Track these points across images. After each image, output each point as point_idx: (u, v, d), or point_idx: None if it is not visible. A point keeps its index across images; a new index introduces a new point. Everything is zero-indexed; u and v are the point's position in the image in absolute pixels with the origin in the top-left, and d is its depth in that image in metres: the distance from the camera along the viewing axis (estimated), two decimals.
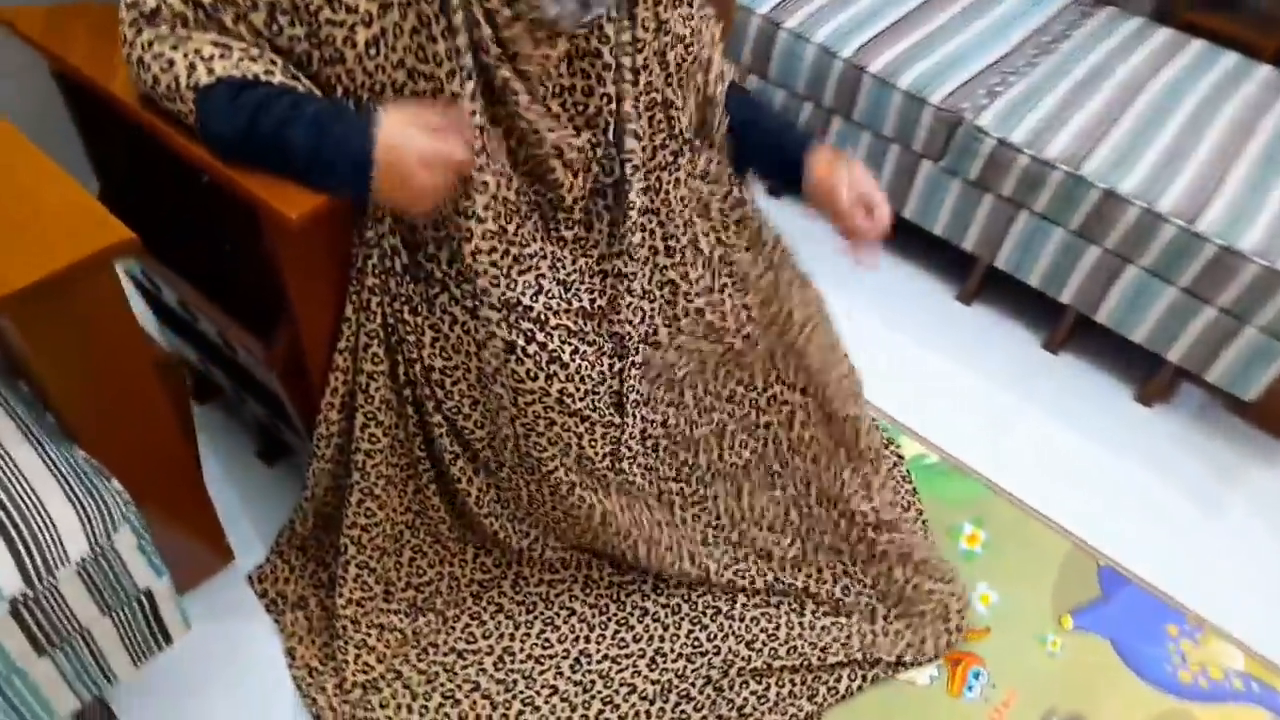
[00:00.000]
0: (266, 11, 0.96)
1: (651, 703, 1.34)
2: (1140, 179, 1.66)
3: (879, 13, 1.92)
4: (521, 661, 1.37)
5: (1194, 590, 1.57)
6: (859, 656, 1.39)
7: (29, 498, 1.01)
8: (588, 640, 1.39)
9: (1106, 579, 1.56)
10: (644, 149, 1.13)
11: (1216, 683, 1.46)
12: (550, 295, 1.15)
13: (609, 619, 1.41)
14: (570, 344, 1.15)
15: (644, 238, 1.18)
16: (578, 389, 1.17)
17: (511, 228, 1.11)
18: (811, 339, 1.33)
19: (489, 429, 1.23)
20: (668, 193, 1.17)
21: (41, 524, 1.00)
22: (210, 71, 0.96)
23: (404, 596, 1.37)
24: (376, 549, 1.32)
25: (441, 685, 1.33)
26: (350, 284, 1.14)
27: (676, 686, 1.36)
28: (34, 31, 1.13)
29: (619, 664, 1.38)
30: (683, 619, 1.42)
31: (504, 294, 1.12)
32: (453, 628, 1.39)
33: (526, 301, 1.13)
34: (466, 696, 1.33)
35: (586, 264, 1.18)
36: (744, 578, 1.43)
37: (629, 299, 1.18)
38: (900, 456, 1.68)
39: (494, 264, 1.11)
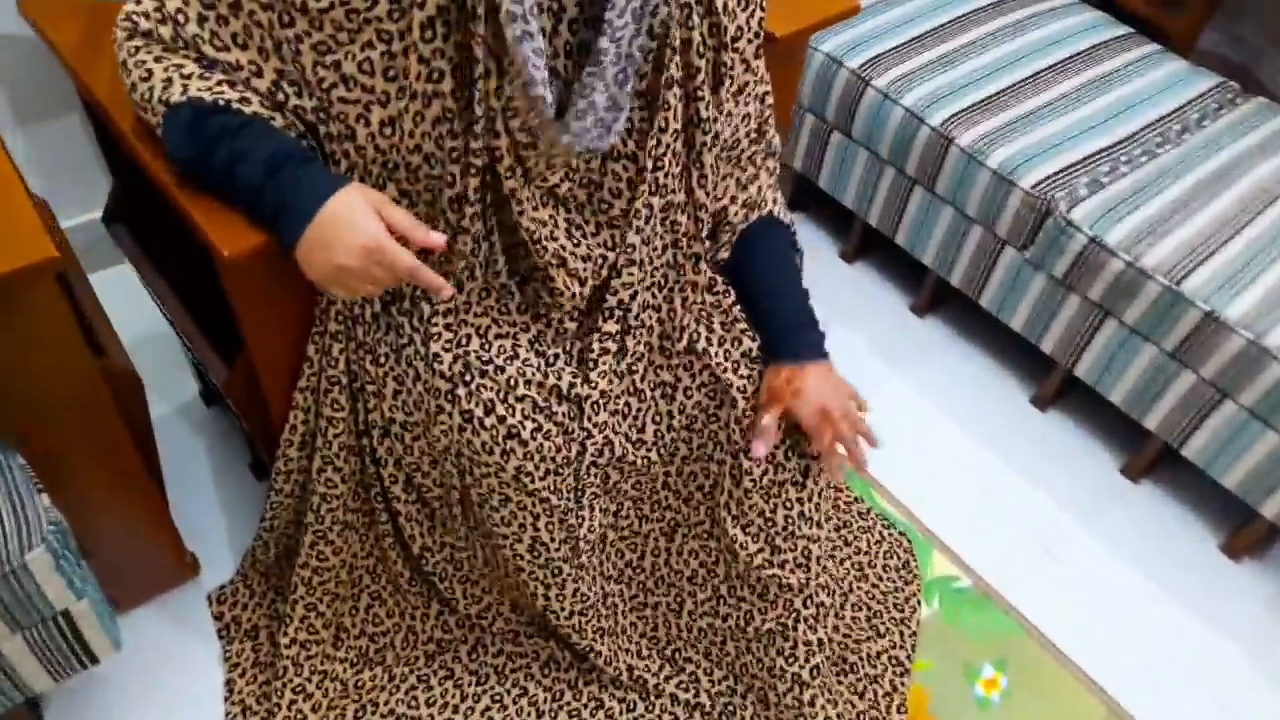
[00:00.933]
0: (271, 79, 0.91)
1: None
2: (1250, 306, 1.43)
3: (981, 81, 1.74)
4: None
5: None
6: None
7: None
8: None
9: None
10: (652, 249, 1.04)
11: None
12: (526, 364, 1.06)
13: (560, 707, 1.31)
14: (533, 419, 1.06)
15: (642, 335, 1.08)
16: (536, 468, 1.08)
17: (492, 307, 1.05)
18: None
19: (446, 487, 1.15)
20: (671, 292, 1.08)
21: None
22: (184, 90, 0.91)
23: (355, 645, 1.31)
24: (328, 593, 1.26)
25: None
26: (314, 324, 1.08)
27: None
28: (67, 48, 1.10)
29: None
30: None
31: (466, 356, 1.04)
32: (398, 687, 1.31)
33: (496, 363, 1.05)
34: None
35: (574, 349, 1.09)
36: (687, 691, 1.30)
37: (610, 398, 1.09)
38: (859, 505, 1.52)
39: (453, 329, 1.03)
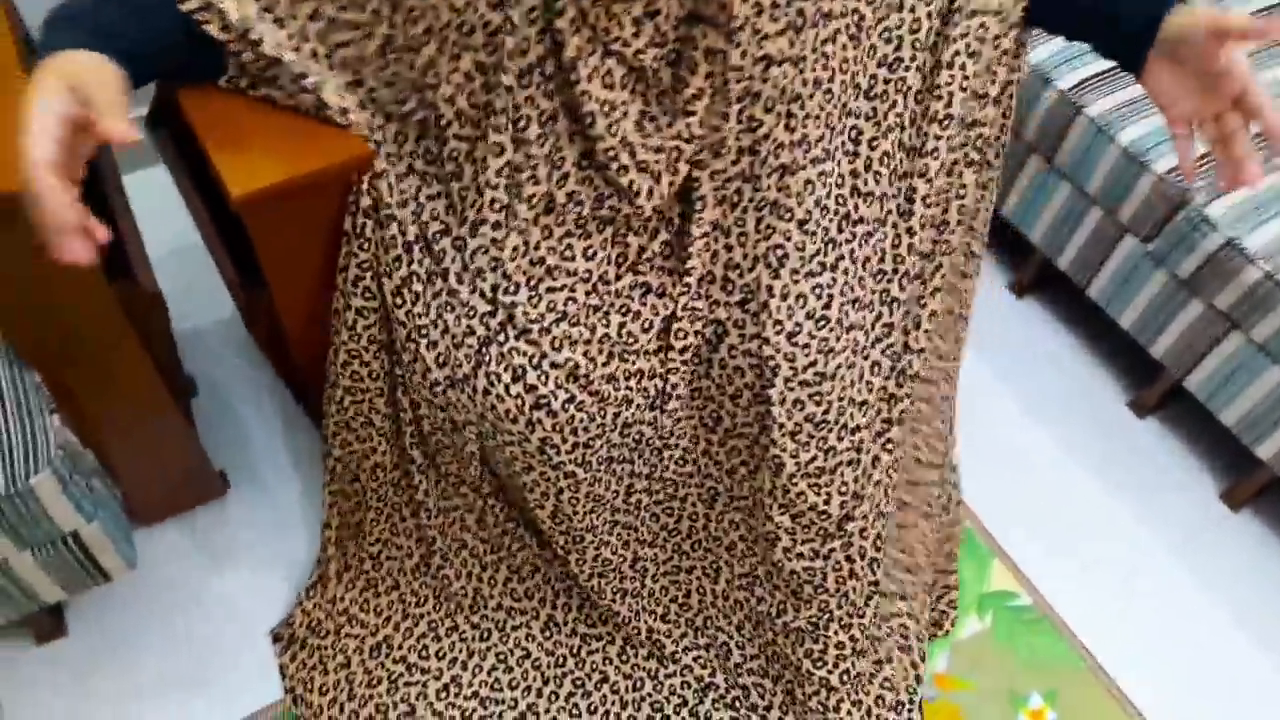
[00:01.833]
0: None
1: None
2: None
3: None
4: (466, 699, 1.24)
5: None
6: None
7: None
8: (539, 695, 1.25)
9: None
10: (731, 148, 0.91)
11: None
12: (577, 319, 0.97)
13: (564, 675, 1.26)
14: (567, 389, 0.97)
15: (703, 262, 0.96)
16: (564, 440, 1.00)
17: (556, 232, 0.94)
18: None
19: (465, 453, 1.08)
20: (744, 213, 0.94)
21: None
22: None
23: (369, 550, 1.27)
24: (345, 495, 1.23)
25: (378, 698, 1.23)
26: (340, 263, 1.01)
27: None
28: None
29: None
30: (644, 701, 1.24)
31: (509, 309, 0.96)
32: (410, 631, 1.28)
33: (541, 322, 0.96)
34: (399, 714, 1.22)
35: (635, 279, 0.99)
36: (705, 667, 1.24)
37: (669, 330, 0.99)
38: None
39: (498, 269, 0.94)
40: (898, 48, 0.92)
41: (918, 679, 1.24)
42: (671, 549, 1.20)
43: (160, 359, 1.13)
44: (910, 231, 0.98)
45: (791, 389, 0.98)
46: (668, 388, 1.03)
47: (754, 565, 1.15)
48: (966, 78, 0.93)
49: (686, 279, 0.97)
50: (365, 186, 0.96)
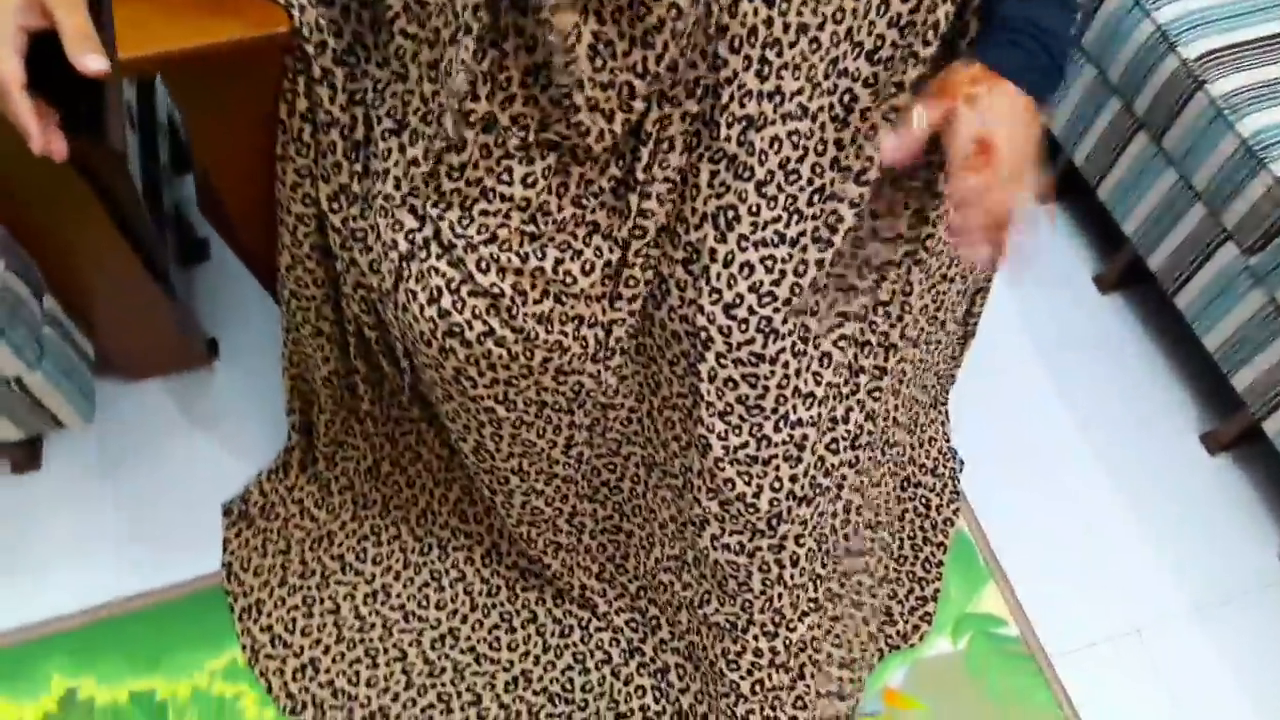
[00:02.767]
0: None
1: None
2: None
3: (1270, 11, 1.27)
4: (391, 608, 1.23)
5: None
6: None
7: None
8: (464, 620, 1.22)
9: None
10: (690, 87, 0.79)
11: None
12: (504, 247, 0.89)
13: (493, 606, 1.22)
14: (485, 321, 0.89)
15: (667, 212, 0.85)
16: (481, 375, 0.93)
17: (495, 153, 0.85)
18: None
19: (395, 360, 1.03)
20: (699, 159, 0.82)
21: None
22: None
23: (324, 450, 1.25)
24: (301, 396, 1.20)
25: (306, 590, 1.23)
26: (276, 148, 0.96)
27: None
28: None
29: (480, 665, 1.20)
30: (566, 648, 1.20)
31: (436, 222, 0.88)
32: (353, 531, 1.27)
33: (469, 239, 0.88)
34: (320, 617, 1.22)
35: (579, 214, 0.89)
36: (635, 631, 1.17)
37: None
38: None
39: (432, 185, 0.87)
40: (914, 9, 0.76)
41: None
42: (612, 508, 1.13)
43: (129, 219, 1.12)
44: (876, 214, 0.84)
45: (724, 365, 0.87)
46: (611, 340, 0.93)
47: (683, 549, 1.06)
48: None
49: (643, 223, 0.87)
50: (301, 89, 0.89)
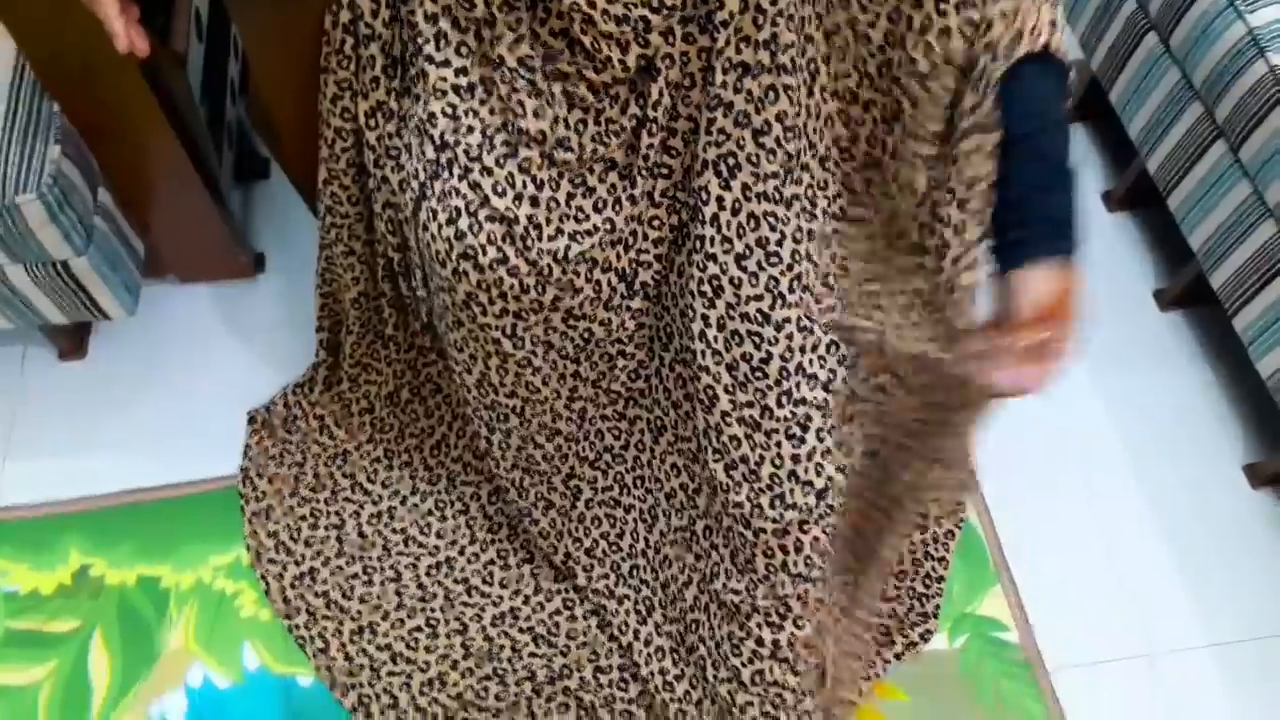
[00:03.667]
0: None
1: (466, 656, 1.17)
2: None
3: None
4: (394, 530, 1.25)
5: None
6: None
7: None
8: (461, 552, 1.24)
9: None
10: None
11: None
12: (523, 168, 0.89)
13: (492, 542, 1.24)
14: (499, 247, 0.90)
15: (655, 149, 0.85)
16: (492, 303, 0.93)
17: (522, 86, 0.86)
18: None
19: (417, 283, 1.05)
20: (697, 109, 0.81)
21: None
22: None
23: (350, 371, 1.27)
24: (331, 314, 1.23)
25: (315, 503, 1.27)
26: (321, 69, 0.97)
27: (498, 656, 1.17)
28: None
29: (470, 596, 1.21)
30: (557, 593, 1.21)
31: (455, 146, 0.89)
32: (368, 454, 1.30)
33: (485, 163, 0.89)
34: (325, 530, 1.25)
35: (596, 150, 0.90)
36: (613, 615, 1.16)
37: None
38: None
39: (455, 111, 0.87)
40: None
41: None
42: (613, 478, 1.11)
43: (185, 123, 1.16)
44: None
45: (731, 318, 0.86)
46: (636, 283, 0.93)
47: (693, 519, 1.04)
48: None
49: (669, 161, 0.86)
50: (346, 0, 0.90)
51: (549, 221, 0.90)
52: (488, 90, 0.88)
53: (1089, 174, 1.61)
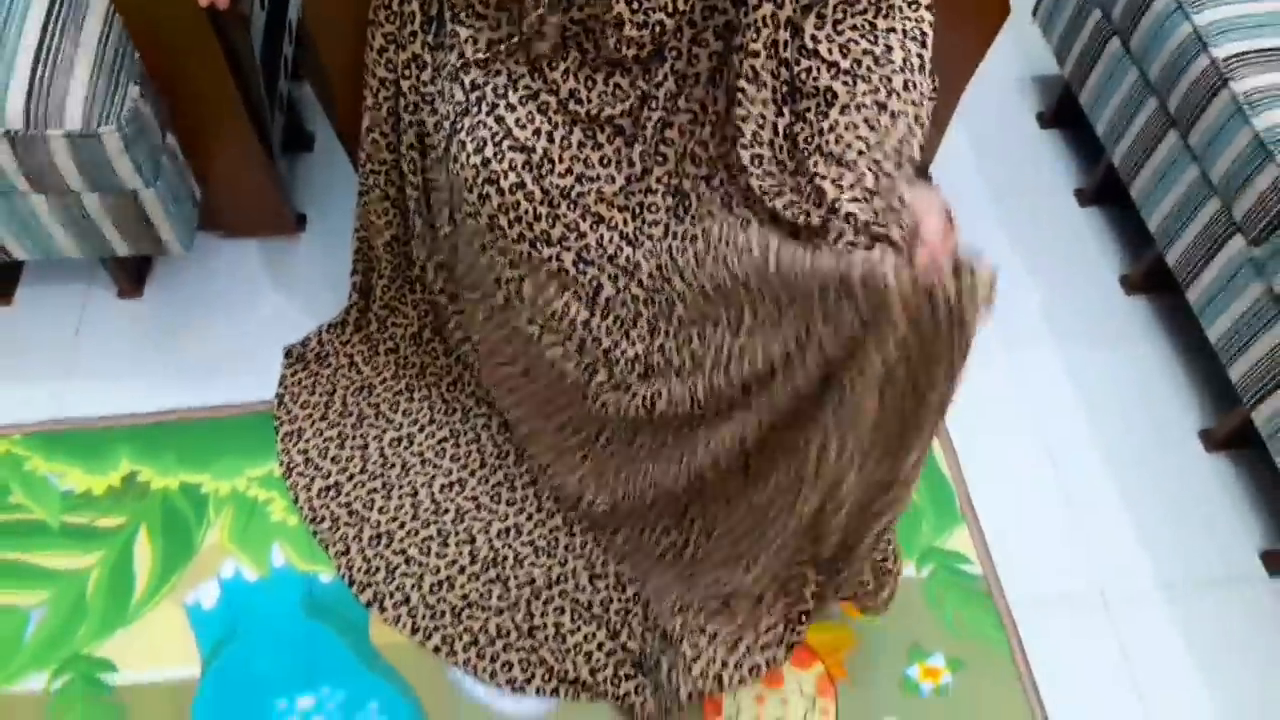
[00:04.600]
0: None
1: (472, 563, 1.29)
2: None
3: None
4: (412, 453, 1.37)
5: None
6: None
7: (66, 56, 1.19)
8: (472, 474, 1.36)
9: None
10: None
11: None
12: (542, 109, 1.05)
13: (499, 467, 1.36)
14: (518, 174, 1.04)
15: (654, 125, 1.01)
16: (511, 224, 1.07)
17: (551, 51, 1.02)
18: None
19: (446, 212, 1.18)
20: (716, 92, 0.98)
21: (64, 84, 1.17)
22: None
23: (378, 314, 1.40)
24: (365, 259, 1.37)
25: (342, 427, 1.39)
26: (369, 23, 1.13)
27: (502, 564, 1.28)
28: None
29: (479, 512, 1.33)
30: (558, 512, 1.32)
31: (483, 87, 1.04)
32: (392, 387, 1.42)
33: (509, 100, 1.04)
34: (350, 450, 1.37)
35: (603, 110, 1.05)
36: (596, 577, 1.28)
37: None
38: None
39: (486, 62, 1.03)
40: None
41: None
42: (623, 457, 1.20)
43: (245, 80, 1.31)
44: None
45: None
46: (630, 251, 1.07)
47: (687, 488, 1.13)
48: None
49: (663, 151, 1.01)
50: None
51: (560, 159, 1.05)
52: (514, 45, 1.03)
53: (1062, 174, 1.74)
